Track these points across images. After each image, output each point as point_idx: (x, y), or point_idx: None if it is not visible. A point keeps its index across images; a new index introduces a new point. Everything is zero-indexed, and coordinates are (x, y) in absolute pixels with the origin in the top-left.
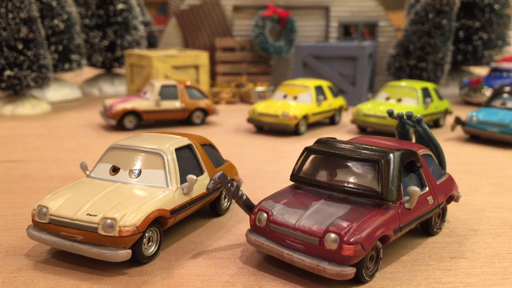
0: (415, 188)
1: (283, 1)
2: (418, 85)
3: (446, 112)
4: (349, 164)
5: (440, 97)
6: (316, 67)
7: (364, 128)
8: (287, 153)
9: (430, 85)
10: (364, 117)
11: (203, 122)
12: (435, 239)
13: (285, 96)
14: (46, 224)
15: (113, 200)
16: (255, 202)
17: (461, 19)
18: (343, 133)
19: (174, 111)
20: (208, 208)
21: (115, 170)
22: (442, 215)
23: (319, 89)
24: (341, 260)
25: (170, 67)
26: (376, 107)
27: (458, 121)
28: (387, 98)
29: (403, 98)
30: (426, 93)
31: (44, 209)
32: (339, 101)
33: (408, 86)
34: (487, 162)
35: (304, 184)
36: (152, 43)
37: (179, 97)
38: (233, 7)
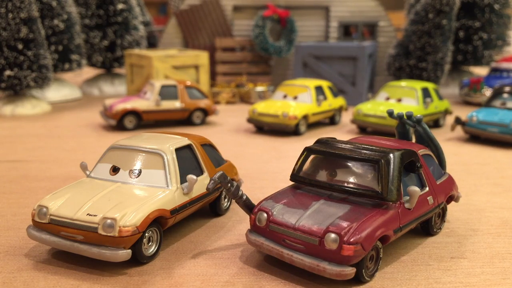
0: (415, 188)
1: (283, 1)
2: (418, 85)
3: (446, 112)
4: (349, 164)
5: (440, 97)
6: (316, 67)
7: (364, 128)
8: (287, 153)
9: (430, 85)
10: (364, 117)
11: (203, 122)
12: (435, 239)
13: (285, 96)
14: (46, 224)
15: (113, 200)
16: (255, 202)
17: (461, 19)
18: (343, 133)
19: (174, 111)
20: (208, 208)
21: (115, 170)
22: (442, 215)
23: (319, 89)
24: (341, 260)
25: (170, 67)
26: (376, 107)
27: (458, 121)
28: (387, 98)
29: (403, 98)
30: (426, 93)
31: (44, 209)
32: (339, 101)
33: (408, 86)
34: (487, 162)
35: (304, 184)
36: (152, 43)
37: (179, 97)
38: (233, 7)
